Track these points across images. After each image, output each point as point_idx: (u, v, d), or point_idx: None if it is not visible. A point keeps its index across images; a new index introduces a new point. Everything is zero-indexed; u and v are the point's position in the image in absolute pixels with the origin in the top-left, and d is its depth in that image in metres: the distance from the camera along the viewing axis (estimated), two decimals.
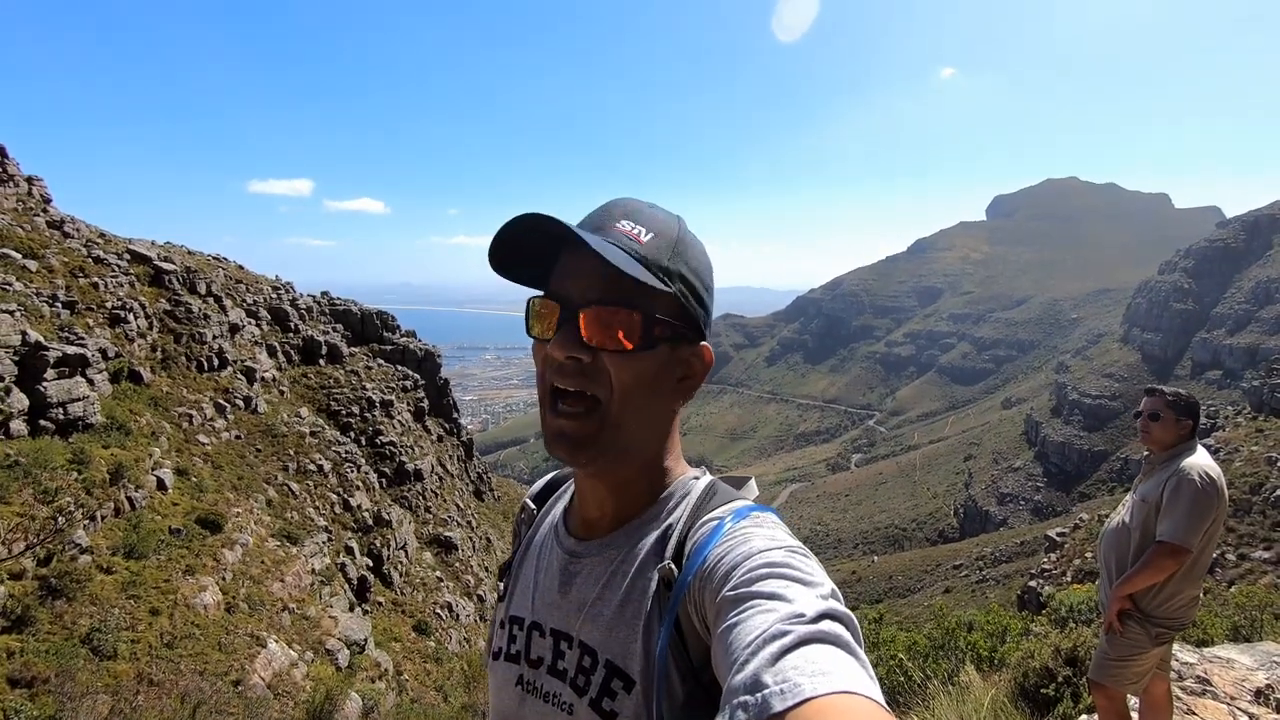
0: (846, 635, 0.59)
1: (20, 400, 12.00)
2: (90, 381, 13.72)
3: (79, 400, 13.01)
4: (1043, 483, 74.59)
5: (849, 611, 0.62)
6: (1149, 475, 3.01)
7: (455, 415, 35.07)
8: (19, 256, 15.28)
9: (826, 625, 0.59)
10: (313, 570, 15.00)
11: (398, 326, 33.19)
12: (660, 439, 0.85)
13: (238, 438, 18.63)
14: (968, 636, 6.14)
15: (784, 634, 0.58)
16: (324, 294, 32.57)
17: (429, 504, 26.18)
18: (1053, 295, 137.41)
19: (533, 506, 1.04)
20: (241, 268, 29.28)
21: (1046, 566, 26.91)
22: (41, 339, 12.89)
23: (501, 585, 1.00)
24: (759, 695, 0.54)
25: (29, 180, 19.30)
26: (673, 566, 0.77)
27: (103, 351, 14.90)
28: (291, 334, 26.27)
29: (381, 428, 25.60)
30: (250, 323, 24.06)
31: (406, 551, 21.90)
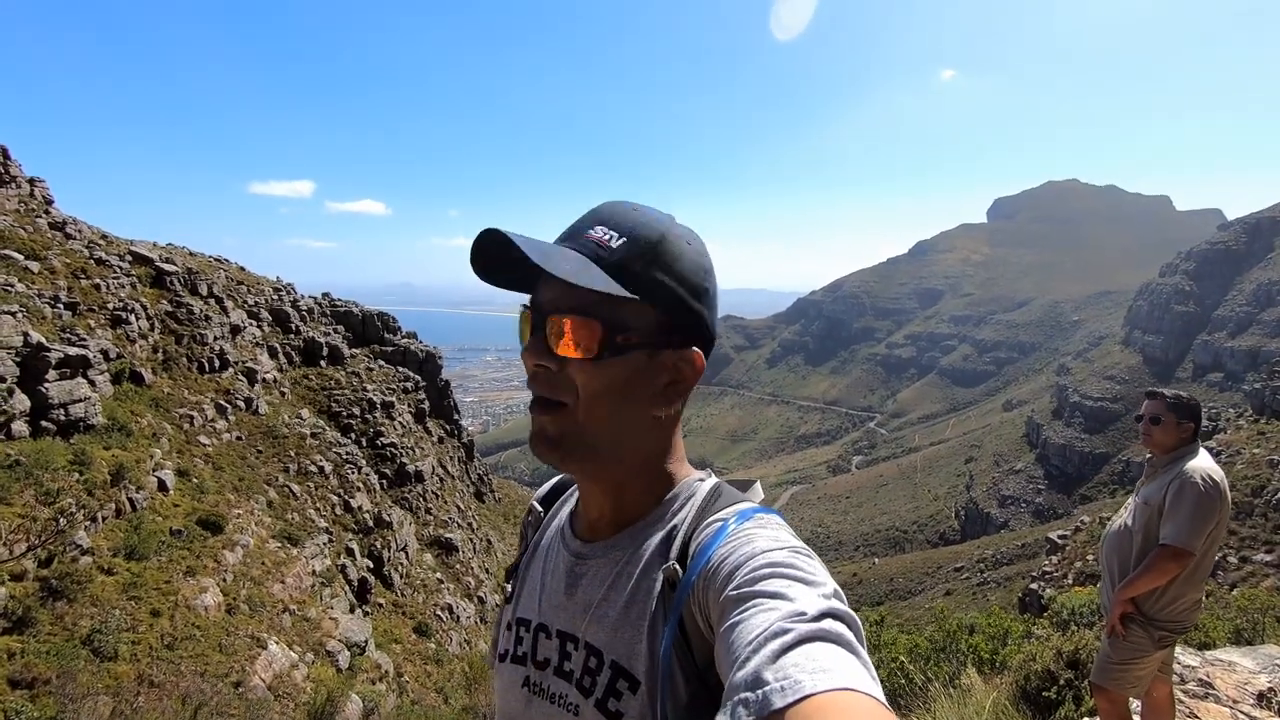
0: (848, 634, 0.59)
1: (22, 401, 12.01)
2: (92, 383, 13.73)
3: (80, 401, 13.03)
4: (1044, 485, 74.49)
5: (851, 611, 0.63)
6: (1151, 478, 3.00)
7: (456, 417, 35.08)
8: (21, 258, 15.31)
9: (828, 624, 0.59)
10: (313, 572, 15.00)
11: (399, 328, 33.22)
12: (643, 443, 0.84)
13: (239, 439, 18.64)
14: (969, 639, 6.14)
15: (785, 632, 0.58)
16: (325, 295, 32.61)
17: (430, 505, 26.18)
18: (1054, 297, 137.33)
19: (540, 509, 1.04)
20: (243, 269, 29.33)
21: (1048, 569, 26.87)
22: (43, 340, 12.91)
23: (508, 587, 1.00)
24: (760, 692, 0.54)
25: (31, 182, 19.34)
26: (677, 567, 0.77)
27: (104, 353, 14.92)
28: (292, 335, 26.29)
29: (382, 429, 25.61)
30: (251, 324, 24.09)
31: (407, 553, 21.89)
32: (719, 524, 0.78)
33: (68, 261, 16.75)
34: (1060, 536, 29.84)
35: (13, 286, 13.89)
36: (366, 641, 14.40)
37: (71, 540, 10.16)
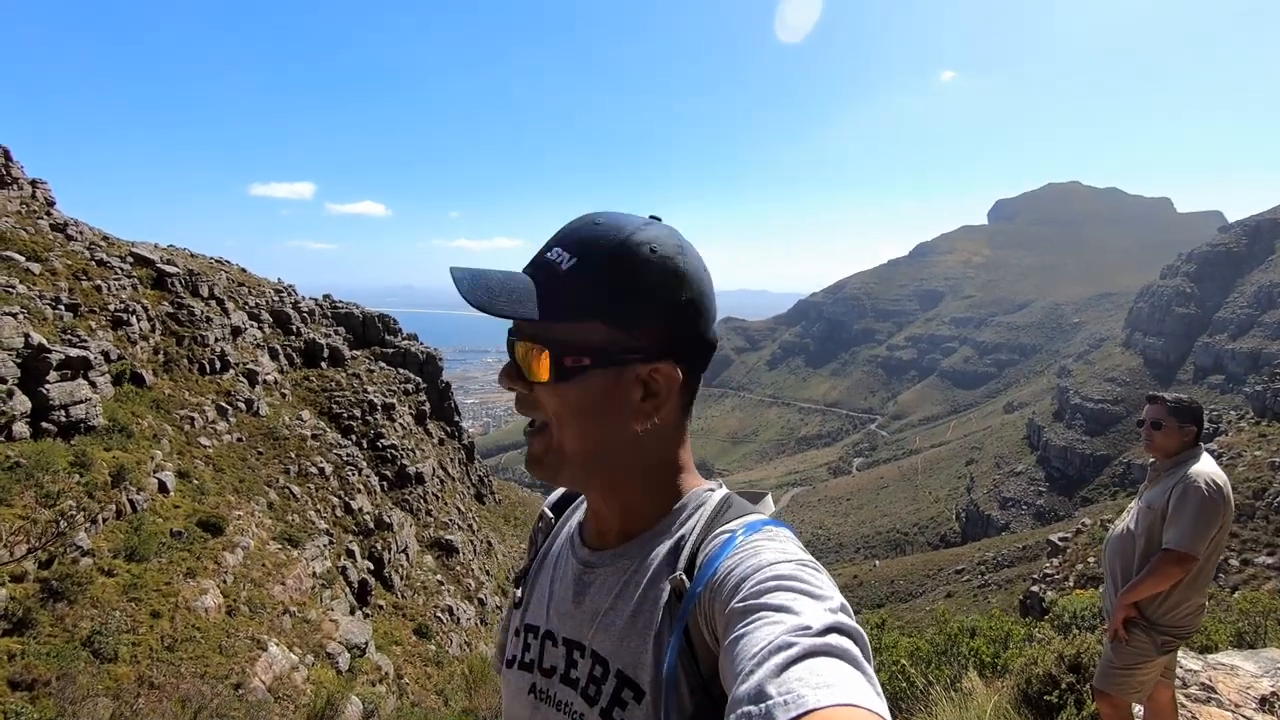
0: (854, 649, 0.59)
1: (23, 402, 12.02)
2: (92, 384, 13.75)
3: (81, 403, 13.04)
4: (1045, 487, 74.41)
5: (858, 626, 0.62)
6: (1154, 482, 2.99)
7: (457, 418, 35.08)
8: (22, 259, 15.33)
9: (833, 639, 0.58)
10: (314, 573, 15.00)
11: (399, 329, 33.23)
12: (630, 457, 0.83)
13: (239, 440, 18.65)
14: (970, 642, 6.12)
15: (790, 645, 0.57)
16: (326, 297, 32.63)
17: (430, 507, 26.17)
18: (1054, 299, 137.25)
19: (550, 515, 1.05)
20: (244, 271, 29.36)
21: (1049, 571, 26.82)
22: (44, 341, 12.92)
23: (517, 593, 1.00)
24: (763, 706, 0.53)
25: (33, 183, 19.38)
26: (684, 578, 0.76)
27: (105, 354, 14.93)
28: (293, 337, 26.30)
29: (383, 431, 25.61)
30: (252, 325, 24.11)
31: (407, 555, 21.88)
32: (727, 535, 0.77)
33: (69, 263, 16.77)
34: (1061, 539, 29.81)
35: (14, 288, 13.91)
36: (367, 643, 14.40)
37: (72, 542, 10.17)
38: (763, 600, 0.65)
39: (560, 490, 1.07)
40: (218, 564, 12.26)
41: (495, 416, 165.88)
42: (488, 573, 26.86)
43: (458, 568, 24.69)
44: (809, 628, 0.59)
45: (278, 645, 11.41)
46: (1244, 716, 3.86)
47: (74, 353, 13.43)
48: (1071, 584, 22.54)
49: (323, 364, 26.61)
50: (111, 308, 16.65)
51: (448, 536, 25.32)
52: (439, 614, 20.79)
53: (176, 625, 10.26)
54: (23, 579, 9.28)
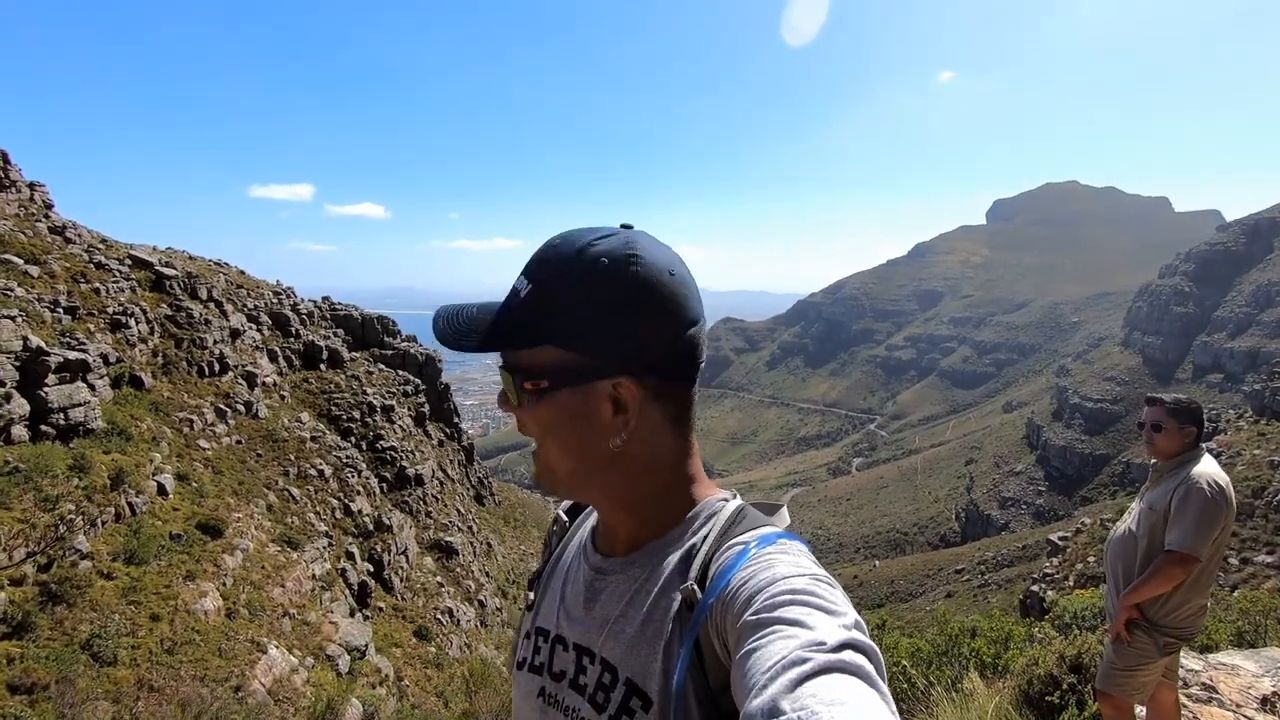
0: (868, 666, 0.58)
1: (21, 405, 12.01)
2: (91, 387, 13.72)
3: (80, 405, 13.02)
4: (1044, 486, 74.43)
5: (872, 643, 0.61)
6: (1156, 483, 2.99)
7: (456, 420, 35.08)
8: (21, 262, 15.31)
9: (848, 655, 0.58)
10: (313, 575, 14.98)
11: (398, 331, 33.23)
12: (615, 472, 0.83)
13: (238, 443, 18.63)
14: (971, 643, 6.12)
15: (804, 661, 0.57)
16: (325, 299, 32.62)
17: (430, 509, 26.15)
18: (1053, 299, 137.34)
19: (565, 519, 1.05)
20: (243, 273, 29.35)
21: (1049, 571, 26.84)
22: (43, 344, 12.90)
23: (530, 595, 1.00)
24: None
25: (31, 186, 19.35)
26: (695, 588, 0.75)
27: (104, 357, 14.91)
28: (292, 339, 26.29)
29: (382, 432, 25.59)
30: (251, 328, 24.09)
31: (407, 556, 21.86)
32: (740, 548, 0.76)
33: (67, 266, 16.75)
34: (1061, 538, 29.83)
35: (12, 291, 13.89)
36: (366, 645, 14.38)
37: (71, 545, 10.15)
38: (776, 614, 0.64)
39: None
40: (217, 566, 12.24)
41: (495, 418, 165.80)
42: (487, 574, 26.85)
43: (457, 569, 24.67)
44: (824, 643, 0.58)
45: (277, 648, 11.39)
46: (1246, 716, 3.85)
47: (73, 355, 13.41)
48: (1071, 583, 22.56)
49: (322, 366, 26.59)
50: (110, 310, 16.63)
51: (447, 538, 25.31)
52: (439, 616, 20.78)
53: (176, 628, 10.25)
54: (22, 582, 9.27)
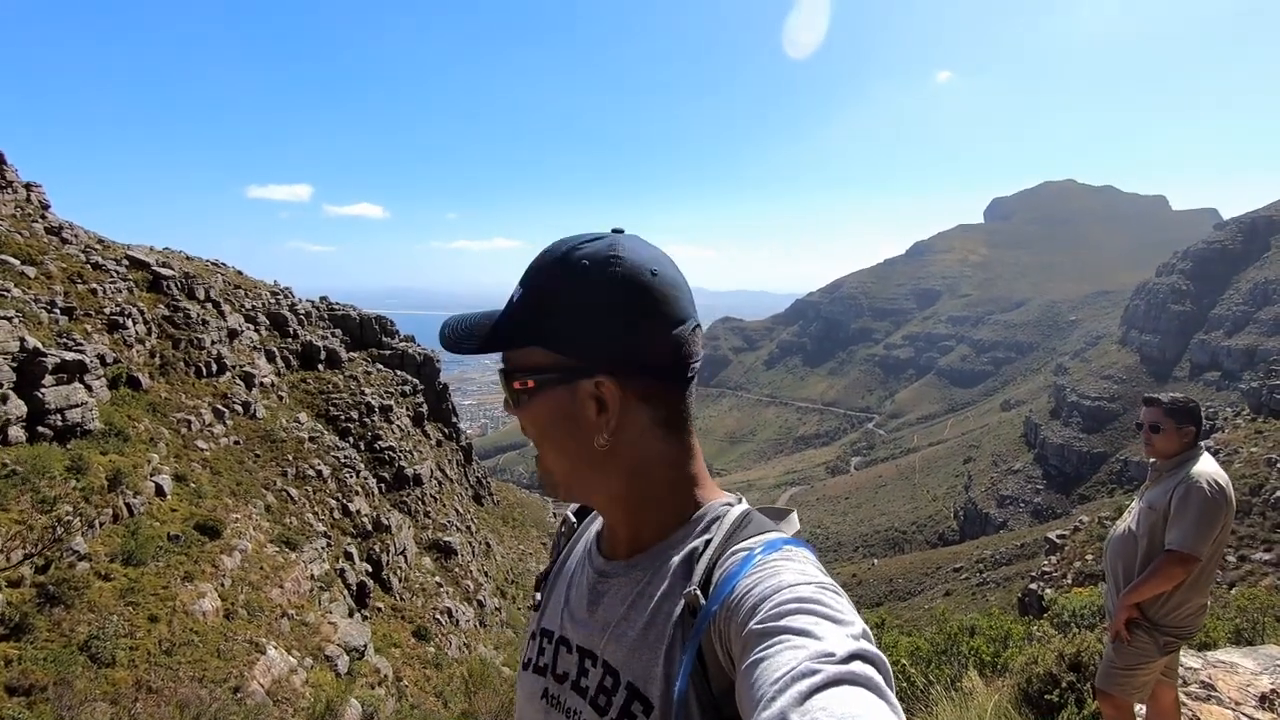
0: (877, 678, 0.57)
1: (18, 407, 11.97)
2: (88, 387, 13.69)
3: (77, 406, 12.98)
4: (1042, 485, 74.55)
5: (880, 653, 0.60)
6: (1156, 482, 2.99)
7: (454, 420, 35.06)
8: (17, 263, 15.27)
9: (857, 666, 0.57)
10: (312, 576, 14.96)
11: (397, 331, 33.19)
12: (618, 470, 0.83)
13: (236, 443, 18.59)
14: (970, 641, 6.13)
15: (813, 673, 0.56)
16: (323, 299, 32.58)
17: (428, 509, 26.13)
18: (1051, 297, 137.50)
19: (573, 520, 1.05)
20: (240, 273, 29.30)
21: (1047, 569, 26.89)
22: (39, 345, 12.86)
23: (537, 596, 1.01)
24: None
25: (27, 186, 19.30)
26: (699, 594, 0.75)
27: (101, 357, 14.87)
28: (290, 339, 26.24)
29: (380, 433, 25.57)
30: (249, 328, 24.05)
31: (406, 557, 21.85)
32: (745, 553, 0.76)
33: (64, 266, 16.71)
34: (1059, 536, 29.86)
35: (9, 291, 13.85)
36: (365, 646, 14.37)
37: (68, 546, 10.12)
38: (783, 623, 0.63)
39: None
40: (215, 567, 12.22)
41: (493, 418, 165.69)
42: (486, 574, 26.85)
43: (456, 569, 24.66)
44: (832, 654, 0.58)
45: (276, 648, 11.37)
46: (1245, 714, 3.86)
47: (69, 356, 13.37)
48: (1069, 581, 22.59)
49: (320, 366, 26.56)
50: (107, 311, 16.59)
51: (446, 538, 25.30)
52: (437, 616, 20.77)
53: (174, 629, 10.23)
54: (19, 584, 9.24)
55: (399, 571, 20.95)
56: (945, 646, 6.11)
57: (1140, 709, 3.40)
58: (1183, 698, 3.88)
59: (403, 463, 25.52)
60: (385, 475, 24.65)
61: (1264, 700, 4.02)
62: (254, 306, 25.66)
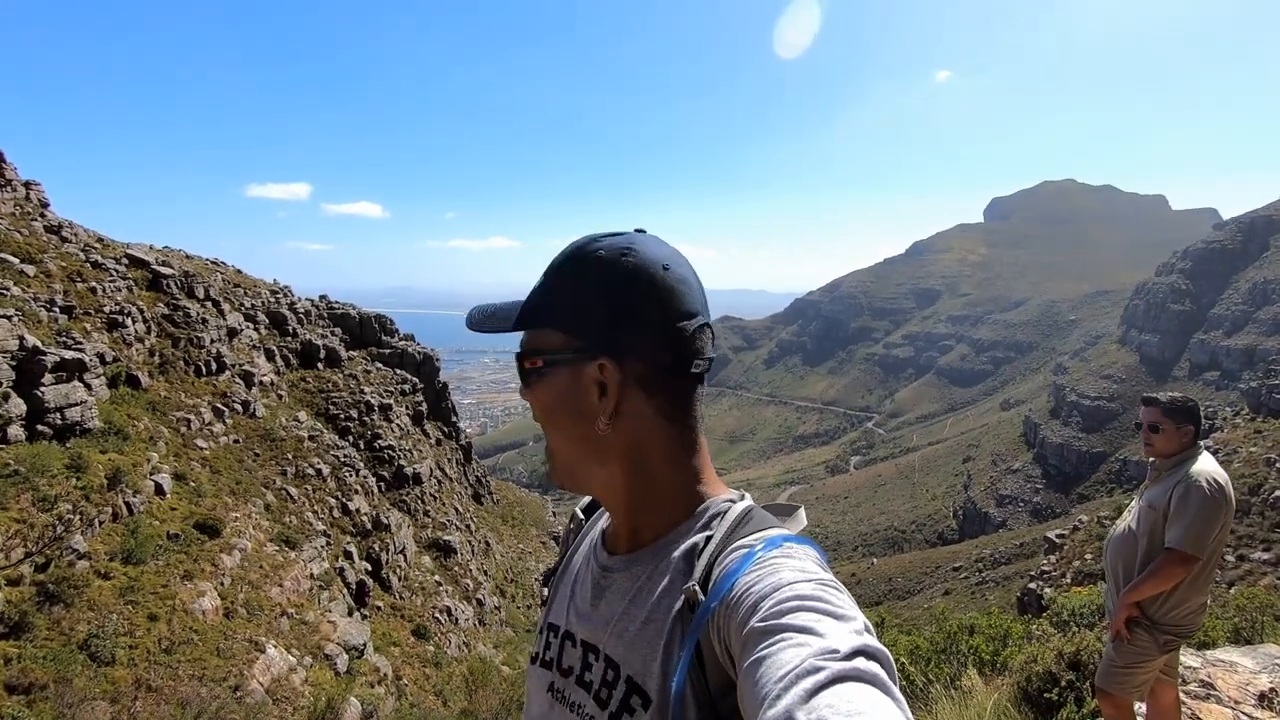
0: (882, 674, 0.57)
1: (18, 405, 11.96)
2: (88, 386, 13.68)
3: (76, 405, 12.98)
4: (1041, 484, 74.59)
5: (883, 648, 0.60)
6: (1155, 481, 2.99)
7: (454, 419, 35.05)
8: (17, 261, 15.26)
9: (861, 662, 0.57)
10: (311, 575, 14.96)
11: (396, 330, 33.17)
12: (617, 459, 0.84)
13: (236, 442, 18.59)
14: (969, 640, 6.14)
15: (818, 670, 0.56)
16: (322, 298, 32.56)
17: (428, 508, 26.14)
18: (1050, 297, 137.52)
19: (581, 516, 1.07)
20: (240, 272, 29.27)
21: (1046, 568, 26.92)
22: (39, 344, 12.85)
23: (545, 591, 1.03)
24: None
25: (27, 185, 19.28)
26: (698, 590, 0.75)
27: (100, 356, 14.86)
28: (290, 338, 26.23)
29: (380, 431, 25.57)
30: (248, 327, 24.03)
31: (405, 556, 21.86)
32: (745, 550, 0.75)
33: (64, 265, 16.70)
34: (1058, 535, 29.89)
35: (8, 290, 13.85)
36: (365, 645, 14.37)
37: (68, 545, 10.12)
38: (785, 621, 0.63)
39: None
40: (215, 566, 12.21)
41: (493, 417, 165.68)
42: (485, 573, 26.86)
43: (455, 568, 24.67)
44: (836, 651, 0.57)
45: (276, 647, 11.37)
46: (1244, 713, 3.86)
47: (69, 355, 13.36)
48: (1069, 580, 22.62)
49: (319, 365, 26.55)
50: (107, 310, 16.58)
51: (445, 537, 25.30)
52: (437, 615, 20.77)
53: (174, 628, 10.22)
54: (19, 582, 9.24)
55: (398, 570, 20.95)
56: (945, 645, 6.12)
57: (1140, 707, 3.41)
58: (1183, 697, 3.88)
59: (402, 461, 25.52)
60: (385, 474, 24.65)
61: (1263, 699, 4.02)
62: (253, 305, 25.64)
